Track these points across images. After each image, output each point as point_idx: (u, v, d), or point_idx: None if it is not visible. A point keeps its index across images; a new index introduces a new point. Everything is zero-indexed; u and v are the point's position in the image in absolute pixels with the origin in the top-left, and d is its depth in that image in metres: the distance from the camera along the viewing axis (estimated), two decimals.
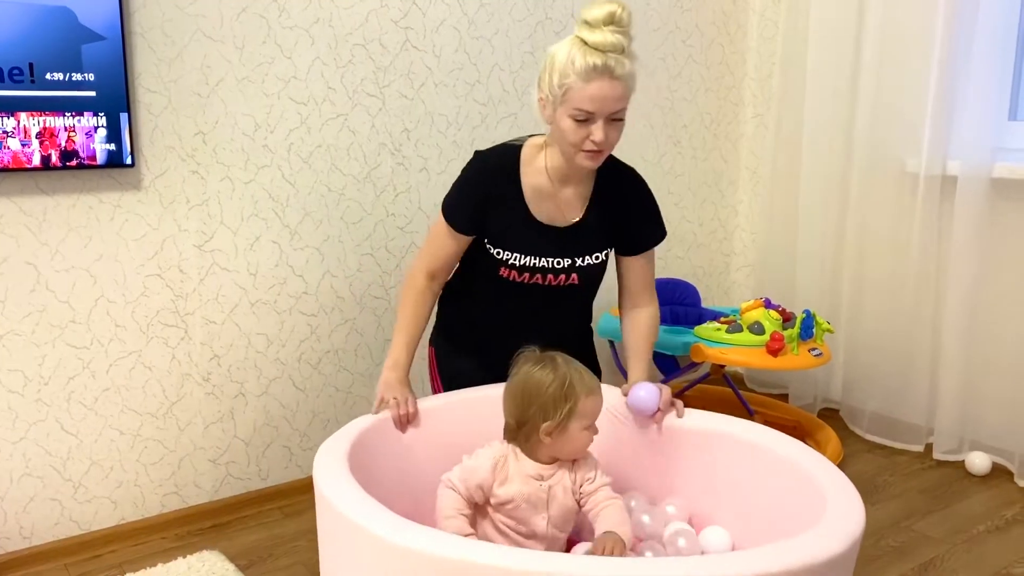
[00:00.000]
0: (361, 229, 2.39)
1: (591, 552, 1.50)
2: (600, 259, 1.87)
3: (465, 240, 1.84)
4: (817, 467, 1.54)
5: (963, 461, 2.60)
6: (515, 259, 1.81)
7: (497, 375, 1.72)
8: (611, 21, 1.61)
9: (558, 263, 1.82)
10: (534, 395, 1.54)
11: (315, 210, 2.31)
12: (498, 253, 1.81)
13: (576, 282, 1.86)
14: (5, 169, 1.86)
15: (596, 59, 1.61)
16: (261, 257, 2.25)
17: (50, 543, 2.08)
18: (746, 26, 3.13)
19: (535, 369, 1.57)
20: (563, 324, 1.96)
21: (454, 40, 2.46)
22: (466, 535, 1.50)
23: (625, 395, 1.79)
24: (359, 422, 1.70)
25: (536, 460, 1.57)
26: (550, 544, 1.57)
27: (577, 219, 1.82)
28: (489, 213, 1.80)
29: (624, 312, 1.95)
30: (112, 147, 1.96)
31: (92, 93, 1.92)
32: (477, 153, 1.88)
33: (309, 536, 2.19)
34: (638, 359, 1.89)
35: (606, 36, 1.61)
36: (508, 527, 1.55)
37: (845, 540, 1.30)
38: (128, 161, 1.99)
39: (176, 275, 2.14)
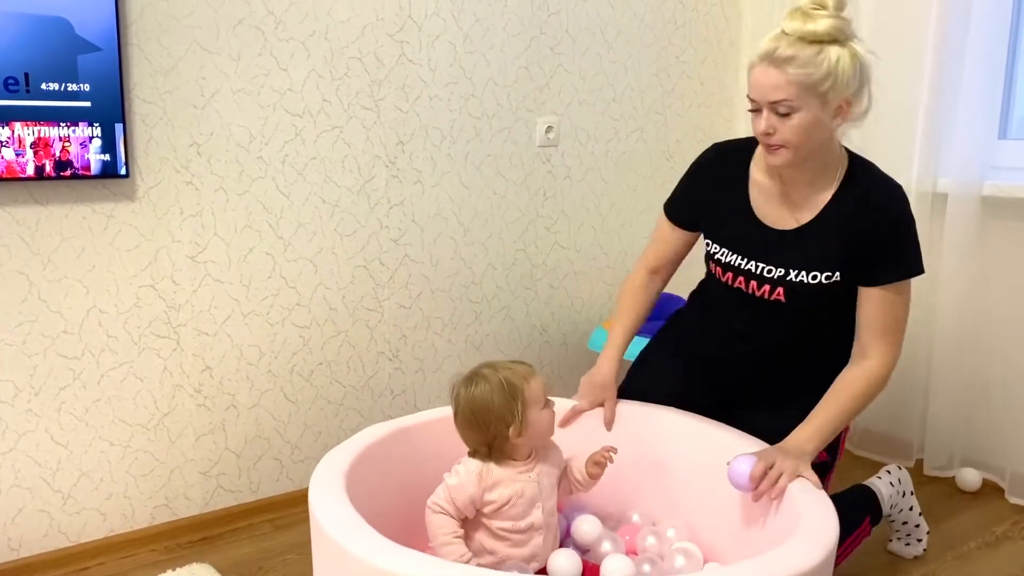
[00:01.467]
0: (355, 241, 2.40)
1: (588, 468, 1.67)
2: (817, 280, 1.60)
3: (684, 235, 1.77)
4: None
5: (954, 477, 2.61)
6: (722, 254, 1.68)
7: (690, 376, 1.76)
8: (814, 5, 1.47)
9: (767, 271, 1.63)
10: (486, 413, 1.56)
11: (309, 222, 2.31)
12: (708, 244, 1.75)
13: (782, 300, 1.62)
14: None
15: (770, 44, 1.47)
16: (254, 268, 2.25)
17: (39, 555, 2.06)
18: (739, 43, 3.15)
19: (471, 390, 1.58)
20: (769, 354, 1.70)
21: (449, 54, 2.47)
22: (466, 560, 1.52)
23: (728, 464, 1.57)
24: (363, 435, 1.70)
25: (513, 461, 1.60)
26: (547, 532, 1.61)
27: (804, 223, 1.60)
28: (712, 206, 1.70)
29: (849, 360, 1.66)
30: (107, 157, 1.96)
31: (87, 104, 1.92)
32: (713, 144, 1.77)
33: (299, 549, 2.18)
34: (812, 419, 1.58)
35: (792, 20, 1.46)
36: (505, 530, 1.57)
37: (820, 552, 1.31)
38: (122, 172, 1.99)
39: (169, 286, 2.14)
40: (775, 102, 1.49)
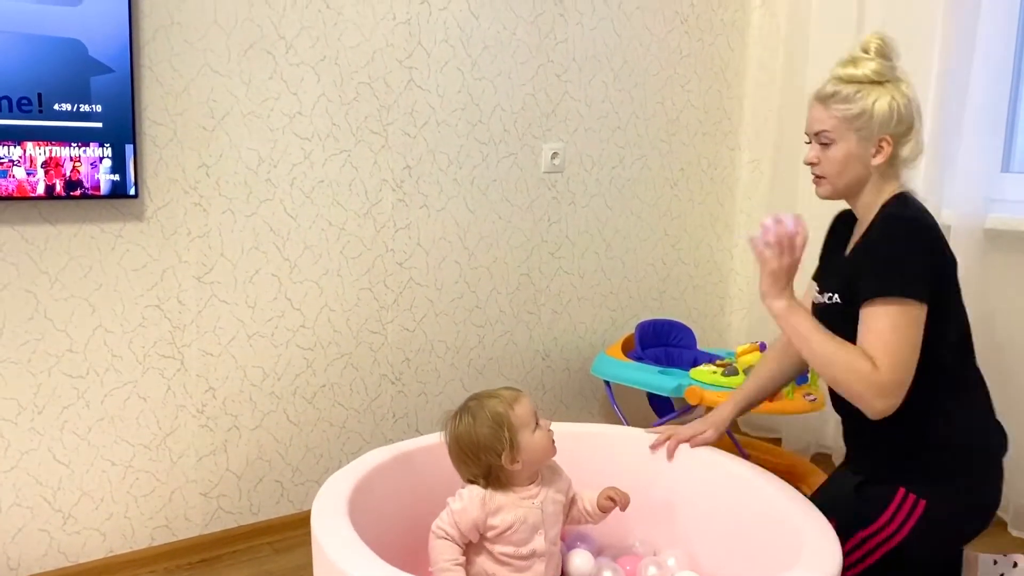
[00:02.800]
0: (360, 264, 2.41)
1: (600, 500, 1.67)
2: (833, 301, 1.66)
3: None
4: (792, 506, 1.56)
5: None
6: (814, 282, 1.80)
7: None
8: (861, 50, 1.64)
9: (819, 290, 1.74)
10: (474, 446, 1.57)
11: (315, 244, 2.32)
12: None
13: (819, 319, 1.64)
14: (9, 197, 1.87)
15: (822, 85, 1.65)
16: (260, 290, 2.26)
17: (37, 574, 2.05)
18: (743, 73, 3.18)
19: (456, 425, 1.60)
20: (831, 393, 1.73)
21: (457, 80, 2.49)
22: None
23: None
24: (366, 459, 1.70)
25: (515, 487, 1.60)
26: (550, 560, 1.61)
27: (848, 252, 1.70)
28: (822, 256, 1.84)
29: None
30: (116, 178, 1.98)
31: (99, 124, 1.94)
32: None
33: (299, 572, 2.17)
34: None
35: (840, 65, 1.64)
36: (507, 555, 1.56)
37: None
38: (132, 192, 2.00)
39: (175, 306, 2.14)
40: (818, 133, 1.65)
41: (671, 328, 2.85)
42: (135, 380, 2.12)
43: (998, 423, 1.69)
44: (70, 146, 1.91)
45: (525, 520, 1.57)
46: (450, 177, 2.53)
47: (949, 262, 1.59)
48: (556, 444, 1.62)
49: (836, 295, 1.66)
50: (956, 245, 2.53)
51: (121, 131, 1.97)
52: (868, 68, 1.61)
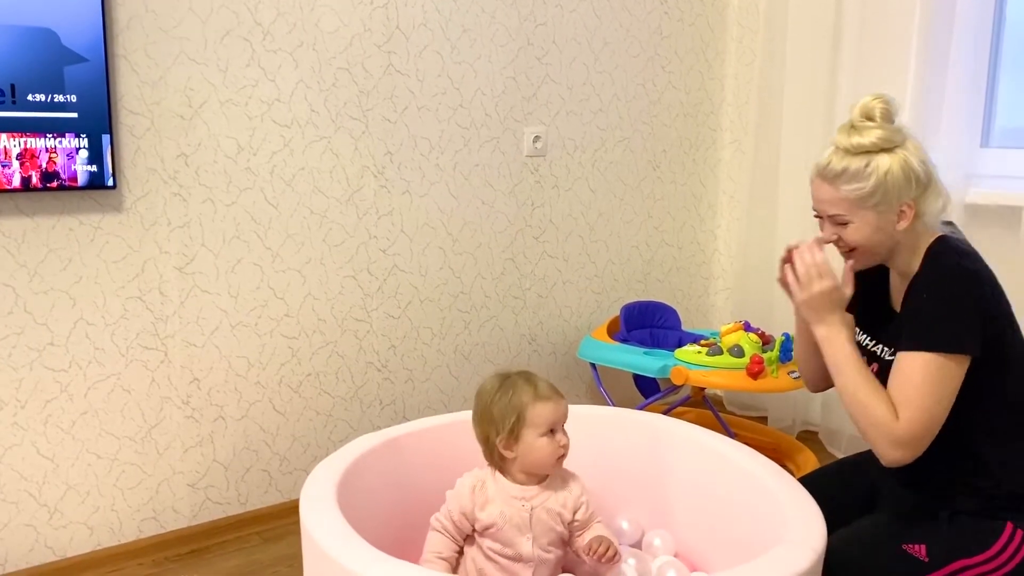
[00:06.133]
0: (343, 251, 2.39)
1: (585, 549, 1.54)
2: (889, 357, 1.56)
3: None
4: (778, 484, 1.57)
5: None
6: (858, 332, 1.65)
7: None
8: (862, 116, 1.50)
9: (872, 344, 1.63)
10: (486, 410, 1.55)
11: (297, 232, 2.31)
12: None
13: (876, 373, 1.57)
14: None
15: (824, 158, 1.51)
16: (242, 279, 2.24)
17: (24, 570, 2.04)
18: (724, 54, 3.18)
19: (488, 384, 1.58)
20: None
21: (437, 65, 2.48)
22: None
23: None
24: (353, 446, 1.69)
25: (515, 481, 1.57)
26: (538, 566, 1.56)
27: (899, 306, 1.59)
28: (856, 297, 1.65)
29: None
30: (94, 169, 1.96)
31: (74, 115, 1.91)
32: None
33: (288, 561, 2.16)
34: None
35: (841, 135, 1.50)
36: (494, 552, 1.55)
37: (808, 556, 1.32)
38: (110, 183, 1.98)
39: (156, 297, 2.13)
40: (832, 215, 1.52)
41: (656, 310, 2.86)
42: (118, 372, 2.10)
43: None
44: (45, 137, 1.89)
45: (510, 520, 1.53)
46: (432, 163, 2.52)
47: (1002, 311, 1.49)
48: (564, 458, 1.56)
49: (889, 351, 1.56)
50: None
51: (97, 121, 1.94)
52: (875, 136, 1.47)
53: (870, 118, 1.49)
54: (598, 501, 1.69)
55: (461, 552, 1.59)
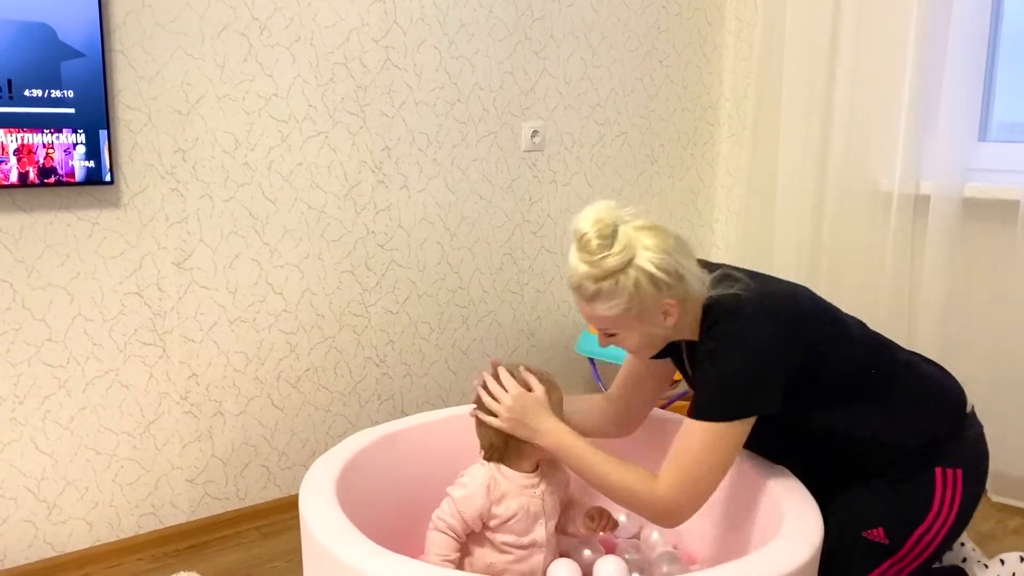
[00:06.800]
0: (341, 247, 2.39)
1: (585, 520, 1.64)
2: None
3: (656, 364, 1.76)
4: (773, 478, 1.57)
5: None
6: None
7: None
8: (579, 243, 1.49)
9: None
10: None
11: (295, 228, 2.31)
12: None
13: None
14: None
15: (574, 278, 1.49)
16: (240, 275, 2.24)
17: (23, 566, 2.04)
18: (722, 48, 3.17)
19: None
20: None
21: (435, 59, 2.47)
22: None
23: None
24: (352, 441, 1.70)
25: (521, 471, 1.59)
26: (549, 550, 1.62)
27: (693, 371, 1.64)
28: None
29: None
30: (91, 164, 1.95)
31: (71, 110, 1.91)
32: None
33: (287, 556, 2.17)
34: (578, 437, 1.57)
35: (581, 262, 1.48)
36: (508, 544, 1.57)
37: (805, 551, 1.33)
38: (107, 178, 1.98)
39: (155, 293, 2.12)
40: (601, 329, 1.55)
41: None
42: (117, 368, 2.10)
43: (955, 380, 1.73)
44: (42, 132, 1.89)
45: (528, 509, 1.58)
46: (430, 157, 2.51)
47: (812, 327, 1.52)
48: None
49: None
50: (935, 214, 2.57)
51: (94, 116, 1.94)
52: (607, 264, 1.45)
53: (589, 251, 1.46)
54: (597, 494, 1.69)
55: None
